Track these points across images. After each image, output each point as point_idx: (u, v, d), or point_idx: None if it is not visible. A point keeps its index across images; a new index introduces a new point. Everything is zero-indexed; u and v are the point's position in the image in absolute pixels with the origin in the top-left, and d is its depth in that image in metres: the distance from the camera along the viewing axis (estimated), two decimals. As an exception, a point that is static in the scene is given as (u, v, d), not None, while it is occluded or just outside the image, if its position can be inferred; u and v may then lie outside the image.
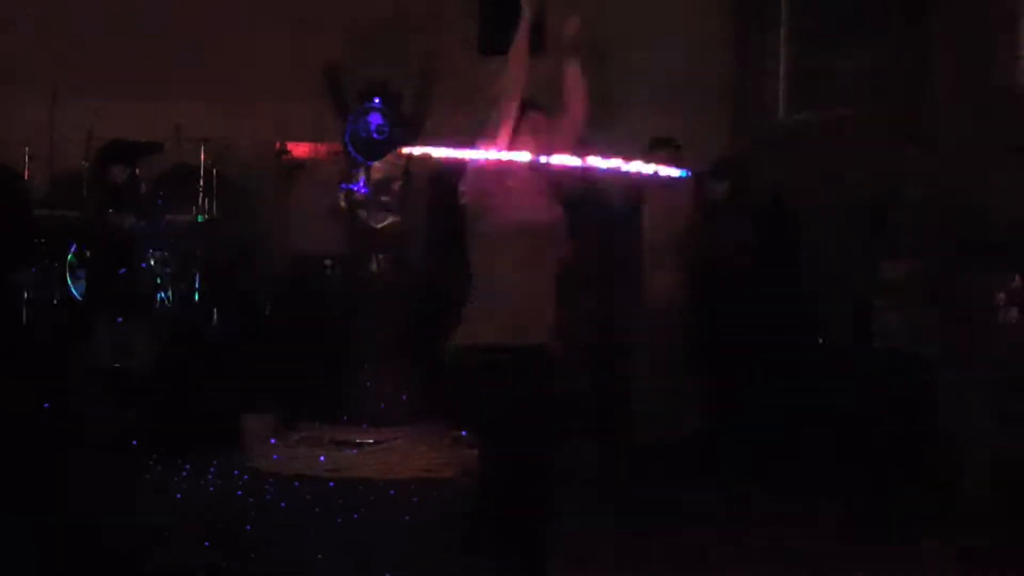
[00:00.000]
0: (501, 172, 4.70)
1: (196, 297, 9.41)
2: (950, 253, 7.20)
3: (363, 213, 9.70)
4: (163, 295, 8.67)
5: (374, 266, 9.54)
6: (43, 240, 8.79)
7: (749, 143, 10.02)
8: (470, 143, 4.73)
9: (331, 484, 7.67)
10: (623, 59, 10.67)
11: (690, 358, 8.21)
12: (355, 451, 8.58)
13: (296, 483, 7.65)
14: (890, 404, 7.43)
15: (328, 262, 9.48)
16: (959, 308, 7.21)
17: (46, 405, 8.01)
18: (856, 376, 7.88)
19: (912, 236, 7.39)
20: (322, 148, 9.99)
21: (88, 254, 8.59)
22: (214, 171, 9.92)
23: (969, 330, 7.12)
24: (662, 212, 8.11)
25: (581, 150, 4.65)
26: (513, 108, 4.72)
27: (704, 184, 8.28)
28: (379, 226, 9.66)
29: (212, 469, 7.81)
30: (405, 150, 9.68)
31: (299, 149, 10.03)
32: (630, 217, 8.12)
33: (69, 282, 8.75)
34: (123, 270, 8.38)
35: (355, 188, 9.73)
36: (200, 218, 9.75)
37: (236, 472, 7.81)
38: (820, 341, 8.54)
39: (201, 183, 9.82)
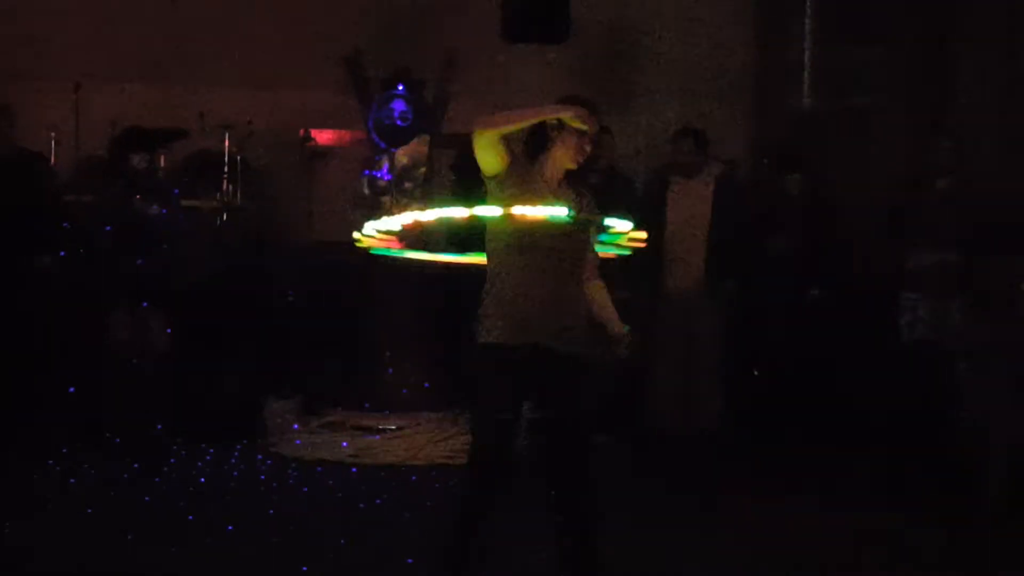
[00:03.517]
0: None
1: (218, 284, 9.42)
2: (975, 243, 7.18)
3: (386, 200, 9.71)
4: (184, 281, 8.67)
5: (396, 253, 9.52)
6: (67, 225, 8.82)
7: (773, 133, 10.00)
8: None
9: (353, 470, 7.71)
10: (648, 49, 10.67)
11: (716, 351, 8.21)
12: (377, 437, 8.61)
13: (318, 468, 7.69)
14: (915, 395, 7.41)
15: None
16: (984, 298, 7.19)
17: (71, 390, 8.07)
18: (881, 367, 7.86)
19: (937, 226, 7.36)
20: (346, 135, 10.00)
21: (110, 240, 8.59)
22: (238, 158, 9.95)
23: (994, 320, 7.10)
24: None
25: None
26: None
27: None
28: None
29: (235, 454, 7.85)
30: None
31: (323, 136, 10.04)
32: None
33: (92, 267, 8.76)
34: (143, 257, 8.39)
35: (378, 175, 9.74)
36: (222, 205, 9.77)
37: (259, 457, 7.86)
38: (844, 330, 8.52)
39: (225, 170, 9.84)
